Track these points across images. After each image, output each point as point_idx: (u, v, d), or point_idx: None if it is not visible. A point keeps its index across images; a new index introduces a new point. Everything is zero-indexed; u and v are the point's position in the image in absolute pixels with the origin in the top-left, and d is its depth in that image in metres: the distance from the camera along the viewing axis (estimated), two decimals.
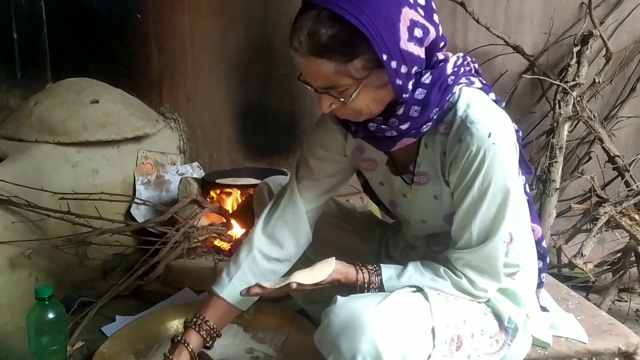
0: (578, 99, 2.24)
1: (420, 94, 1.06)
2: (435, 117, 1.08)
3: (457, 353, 1.13)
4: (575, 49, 2.32)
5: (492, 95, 1.16)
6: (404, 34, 0.98)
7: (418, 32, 1.00)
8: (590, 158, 2.41)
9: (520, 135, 1.19)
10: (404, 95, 1.04)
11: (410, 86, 1.05)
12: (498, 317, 1.22)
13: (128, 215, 2.45)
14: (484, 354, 1.18)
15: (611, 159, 2.23)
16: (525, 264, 1.30)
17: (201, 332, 1.26)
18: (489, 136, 1.04)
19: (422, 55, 1.04)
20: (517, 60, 2.53)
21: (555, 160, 2.22)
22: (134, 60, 2.71)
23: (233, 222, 2.33)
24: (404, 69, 1.01)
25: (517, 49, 2.44)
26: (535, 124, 2.60)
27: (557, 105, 2.28)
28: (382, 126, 1.10)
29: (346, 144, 1.29)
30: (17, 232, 1.84)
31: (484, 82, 1.17)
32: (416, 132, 1.10)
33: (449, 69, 1.09)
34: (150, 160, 2.59)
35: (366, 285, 1.18)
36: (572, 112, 2.24)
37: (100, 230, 1.96)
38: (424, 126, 1.09)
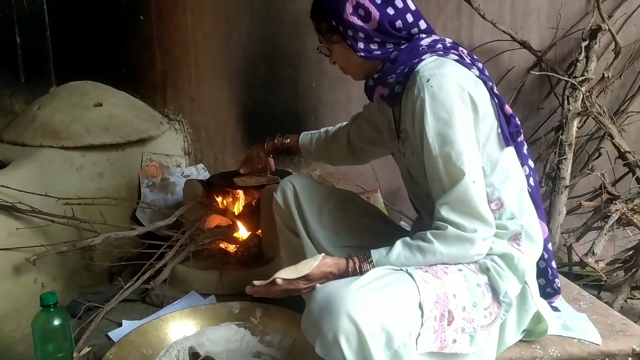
0: (587, 94, 2.21)
1: (394, 55, 1.32)
2: (401, 72, 1.29)
3: (449, 328, 1.15)
4: (584, 44, 2.28)
5: (476, 71, 1.29)
6: (348, 9, 1.30)
7: (361, 11, 1.30)
8: (600, 154, 2.38)
9: (495, 89, 1.31)
10: (359, 54, 1.33)
11: (375, 49, 1.33)
12: (494, 290, 1.24)
13: (133, 218, 2.44)
14: (479, 326, 1.19)
15: (622, 155, 2.20)
16: (525, 231, 1.31)
17: (276, 141, 1.84)
18: (428, 81, 1.21)
19: (367, 27, 1.30)
20: (524, 56, 2.50)
21: (565, 157, 2.19)
22: (138, 62, 2.70)
23: (239, 223, 2.31)
24: (350, 33, 1.31)
25: (524, 45, 2.41)
26: (543, 120, 2.56)
27: (566, 101, 2.24)
28: (370, 79, 1.38)
29: (379, 115, 1.56)
30: (22, 238, 1.84)
31: (467, 57, 1.33)
32: (384, 82, 1.33)
33: (425, 42, 1.32)
34: (155, 162, 2.58)
35: (359, 272, 1.21)
36: (581, 107, 2.21)
37: (105, 235, 1.94)
38: (389, 77, 1.32)
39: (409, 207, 2.45)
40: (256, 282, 1.24)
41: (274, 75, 2.65)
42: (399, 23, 1.31)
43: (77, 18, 2.68)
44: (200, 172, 2.71)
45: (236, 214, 2.33)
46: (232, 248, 2.28)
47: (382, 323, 1.08)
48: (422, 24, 1.34)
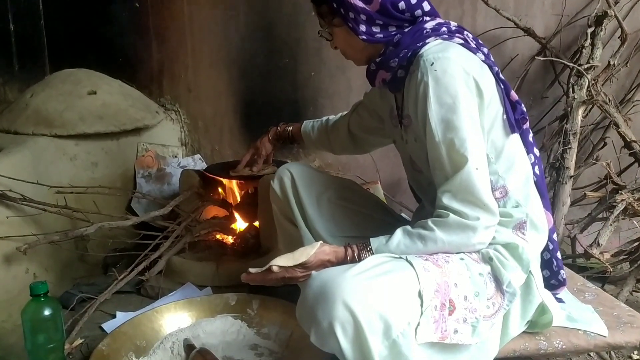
0: (592, 82, 2.16)
1: (397, 38, 1.28)
2: (404, 56, 1.25)
3: (451, 318, 1.13)
4: (589, 31, 2.23)
5: (481, 56, 1.26)
6: None
7: None
8: (605, 144, 2.33)
9: (500, 74, 1.28)
10: (361, 37, 1.28)
11: (378, 32, 1.28)
12: (497, 279, 1.21)
13: (129, 209, 2.40)
14: (482, 316, 1.16)
15: (627, 145, 2.15)
16: (531, 220, 1.28)
17: (278, 129, 1.80)
18: (432, 65, 1.18)
19: (369, 9, 1.26)
20: (528, 44, 2.45)
21: (569, 146, 2.16)
22: (133, 50, 2.67)
23: (236, 214, 2.27)
24: (351, 15, 1.27)
25: (528, 32, 2.36)
26: (547, 109, 2.52)
27: (571, 90, 2.20)
28: (372, 63, 1.34)
29: (380, 102, 1.53)
30: (13, 227, 1.80)
31: (472, 41, 1.29)
32: (386, 66, 1.30)
33: (429, 25, 1.27)
34: (151, 152, 2.54)
35: (357, 261, 1.18)
36: (587, 96, 2.17)
37: (98, 225, 1.90)
38: (392, 61, 1.28)
39: (409, 198, 2.42)
40: (252, 270, 1.21)
41: (272, 65, 2.60)
42: (401, 4, 1.27)
43: (71, 6, 2.64)
44: (197, 163, 2.67)
45: (233, 204, 2.29)
46: (229, 239, 2.25)
47: (380, 311, 1.05)
48: (426, 6, 1.30)
